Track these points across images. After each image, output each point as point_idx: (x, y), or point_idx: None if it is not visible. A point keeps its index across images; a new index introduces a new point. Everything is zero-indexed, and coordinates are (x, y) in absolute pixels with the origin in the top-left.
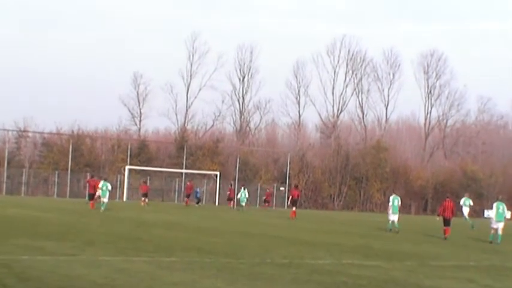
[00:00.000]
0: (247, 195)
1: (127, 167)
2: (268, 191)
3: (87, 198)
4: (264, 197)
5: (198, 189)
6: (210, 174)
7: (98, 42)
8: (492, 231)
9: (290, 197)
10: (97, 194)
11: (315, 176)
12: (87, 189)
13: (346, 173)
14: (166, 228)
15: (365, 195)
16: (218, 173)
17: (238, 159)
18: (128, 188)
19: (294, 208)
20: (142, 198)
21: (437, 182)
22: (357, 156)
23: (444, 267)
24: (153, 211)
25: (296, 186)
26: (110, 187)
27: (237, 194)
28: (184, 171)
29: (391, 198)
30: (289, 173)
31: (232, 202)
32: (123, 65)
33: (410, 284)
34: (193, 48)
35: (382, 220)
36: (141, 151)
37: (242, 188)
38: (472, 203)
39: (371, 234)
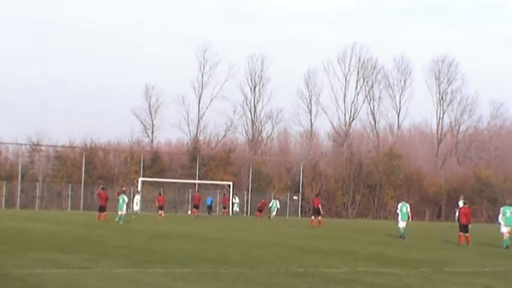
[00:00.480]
0: (278, 206)
1: (140, 179)
2: (263, 200)
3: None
4: (259, 206)
5: (210, 199)
6: (223, 185)
7: (109, 54)
8: (504, 237)
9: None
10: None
11: (328, 184)
12: (99, 202)
13: (360, 181)
14: (180, 239)
15: (379, 203)
16: (231, 183)
17: (251, 169)
18: (141, 200)
19: (312, 217)
20: (159, 212)
21: (451, 188)
22: (369, 164)
23: (459, 273)
24: (167, 222)
25: (317, 195)
26: (126, 199)
27: (268, 204)
28: (197, 181)
29: (399, 205)
30: (302, 182)
31: (227, 210)
32: (134, 77)
33: None
34: (204, 59)
35: (396, 227)
36: (154, 163)
37: (273, 199)
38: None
39: (385, 242)
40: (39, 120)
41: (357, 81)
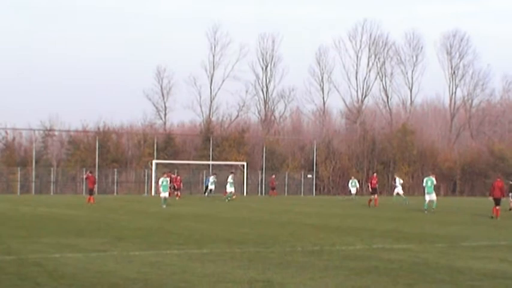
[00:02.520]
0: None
1: (154, 161)
2: (273, 176)
3: (87, 193)
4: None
5: (208, 179)
6: (237, 165)
7: (120, 38)
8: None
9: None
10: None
11: (342, 162)
12: (87, 185)
13: (373, 158)
14: (196, 220)
15: (393, 179)
16: (245, 163)
17: (264, 149)
18: (156, 182)
19: (373, 196)
20: (176, 193)
21: (465, 163)
22: (383, 140)
23: (475, 247)
24: (182, 204)
25: (374, 173)
26: (168, 183)
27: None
28: (211, 162)
29: (424, 179)
30: (316, 160)
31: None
32: (146, 59)
33: (442, 265)
34: (214, 39)
35: (411, 203)
36: (167, 145)
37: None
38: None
39: (401, 218)
40: (51, 106)
41: (369, 57)
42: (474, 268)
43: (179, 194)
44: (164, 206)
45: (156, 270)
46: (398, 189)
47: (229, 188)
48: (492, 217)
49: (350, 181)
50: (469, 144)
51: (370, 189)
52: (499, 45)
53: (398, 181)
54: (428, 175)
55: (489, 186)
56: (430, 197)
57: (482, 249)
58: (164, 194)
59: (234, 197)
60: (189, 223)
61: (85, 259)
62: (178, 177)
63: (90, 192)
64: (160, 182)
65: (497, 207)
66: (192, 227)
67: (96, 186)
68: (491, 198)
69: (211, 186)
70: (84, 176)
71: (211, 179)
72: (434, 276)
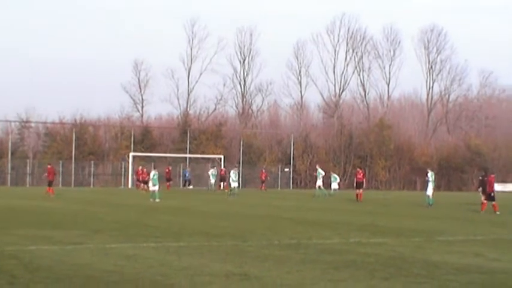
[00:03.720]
0: None
1: (131, 154)
2: (264, 171)
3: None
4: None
5: (186, 171)
6: (214, 158)
7: (98, 30)
8: None
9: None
10: (149, 184)
11: (319, 156)
12: (47, 177)
13: (350, 152)
14: (173, 213)
15: (370, 174)
16: (222, 157)
17: (241, 142)
18: (133, 175)
19: (358, 190)
20: (143, 185)
21: (442, 157)
22: (360, 135)
23: (451, 242)
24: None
25: (360, 168)
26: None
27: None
28: (188, 155)
29: (429, 174)
30: (293, 154)
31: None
32: (123, 52)
33: (418, 260)
34: (192, 32)
35: (388, 197)
36: (145, 137)
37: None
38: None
39: (377, 212)
40: (28, 97)
41: (346, 52)
42: (450, 262)
43: (145, 186)
44: (155, 200)
45: (132, 263)
46: (334, 185)
47: (233, 183)
48: (481, 212)
49: (430, 173)
50: (445, 139)
51: (355, 183)
52: (476, 41)
53: (334, 177)
54: (431, 170)
55: (466, 181)
56: (429, 191)
57: (458, 243)
58: (154, 188)
59: (226, 190)
60: (166, 216)
61: (61, 251)
62: (169, 168)
63: (50, 183)
64: (151, 176)
65: (493, 202)
66: (170, 220)
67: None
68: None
69: (212, 180)
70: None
71: (212, 171)
72: (411, 270)
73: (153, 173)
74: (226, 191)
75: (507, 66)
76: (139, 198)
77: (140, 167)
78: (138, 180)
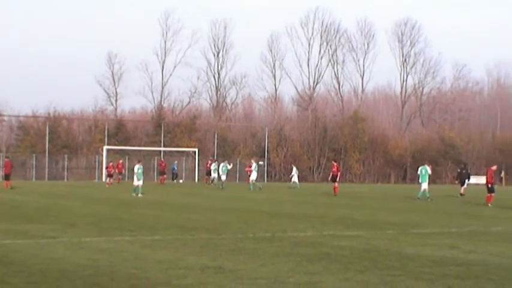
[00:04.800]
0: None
1: (105, 147)
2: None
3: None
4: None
5: (174, 165)
6: (188, 151)
7: (71, 23)
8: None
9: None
10: (134, 178)
11: (293, 149)
12: (3, 170)
13: (325, 145)
14: (148, 207)
15: (344, 166)
16: (196, 150)
17: (216, 135)
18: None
19: (334, 184)
20: (109, 179)
21: (416, 150)
22: (334, 127)
23: (426, 234)
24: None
25: (335, 160)
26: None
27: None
28: (162, 149)
29: (419, 168)
30: (267, 147)
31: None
32: (97, 45)
33: (393, 252)
34: (166, 25)
35: (362, 190)
36: (119, 131)
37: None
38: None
39: (352, 205)
40: (0, 91)
41: (320, 45)
42: (425, 255)
43: (164, 178)
44: (137, 195)
45: (107, 256)
46: (294, 178)
47: (223, 176)
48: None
49: (420, 168)
50: (419, 131)
51: (330, 177)
52: (449, 34)
53: (295, 170)
54: (423, 164)
55: (440, 173)
56: (423, 186)
57: (433, 236)
58: (139, 182)
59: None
60: (141, 210)
61: (35, 245)
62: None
63: (6, 177)
64: (136, 170)
65: (488, 195)
66: (144, 213)
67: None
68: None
69: (223, 176)
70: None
71: (223, 165)
72: (385, 262)
73: (137, 166)
74: (207, 184)
75: (480, 58)
76: (113, 192)
77: (111, 162)
78: (109, 175)
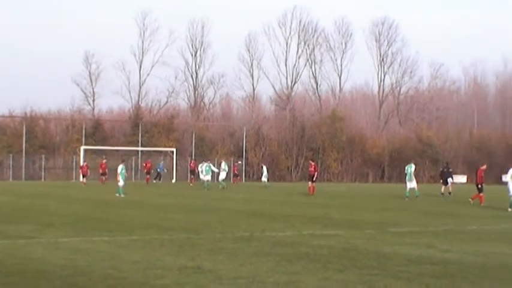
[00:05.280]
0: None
1: (82, 147)
2: (237, 163)
3: None
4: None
5: (160, 165)
6: (166, 151)
7: (48, 22)
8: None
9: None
10: (118, 178)
11: (271, 148)
12: None
13: (303, 144)
14: (125, 207)
15: (322, 166)
16: (174, 150)
17: (194, 135)
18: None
19: (311, 183)
20: (84, 179)
21: (393, 149)
22: (312, 127)
23: (403, 233)
24: (111, 191)
25: (313, 160)
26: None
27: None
28: (140, 149)
29: (405, 167)
30: (245, 147)
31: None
32: (74, 44)
33: (371, 251)
34: (144, 25)
35: (340, 190)
36: (96, 130)
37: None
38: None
39: (330, 204)
40: None
41: (298, 44)
42: (402, 254)
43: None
44: (121, 195)
45: (84, 256)
46: (264, 177)
47: (207, 176)
48: (471, 203)
49: (406, 167)
50: (397, 131)
51: (308, 176)
52: (426, 33)
53: (224, 165)
54: (409, 162)
55: (418, 172)
56: (410, 184)
57: (410, 235)
58: (122, 183)
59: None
60: (118, 210)
61: (12, 246)
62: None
63: None
64: (119, 170)
65: (478, 194)
66: (121, 213)
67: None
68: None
69: (207, 176)
70: None
71: (206, 165)
72: (364, 262)
73: (121, 167)
74: (191, 184)
75: (457, 57)
76: (92, 192)
77: (85, 162)
78: (84, 175)
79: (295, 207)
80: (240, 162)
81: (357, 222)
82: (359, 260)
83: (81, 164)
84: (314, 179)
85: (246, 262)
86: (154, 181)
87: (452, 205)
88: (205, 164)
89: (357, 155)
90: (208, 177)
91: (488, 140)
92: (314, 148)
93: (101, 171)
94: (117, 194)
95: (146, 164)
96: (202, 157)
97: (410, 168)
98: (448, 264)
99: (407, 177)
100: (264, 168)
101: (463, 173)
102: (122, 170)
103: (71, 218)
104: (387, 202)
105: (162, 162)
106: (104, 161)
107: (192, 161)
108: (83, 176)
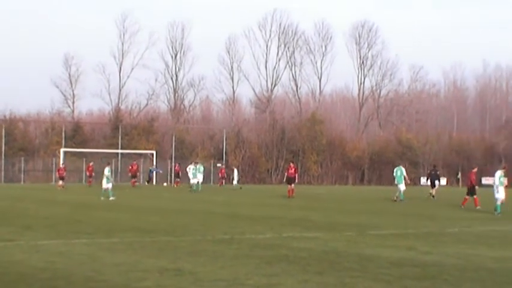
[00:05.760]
0: None
1: (62, 150)
2: (223, 166)
3: None
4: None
5: (152, 168)
6: (146, 154)
7: (27, 23)
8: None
9: (285, 175)
10: (103, 181)
11: (251, 151)
12: None
13: (283, 147)
14: (105, 209)
15: (302, 168)
16: (154, 152)
17: (173, 138)
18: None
19: (288, 186)
20: (61, 182)
21: (373, 152)
22: (292, 129)
23: (384, 236)
24: (91, 193)
25: (292, 162)
26: (200, 170)
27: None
28: (120, 151)
29: (394, 170)
30: (225, 149)
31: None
32: (53, 46)
33: (351, 254)
34: (123, 27)
35: (320, 192)
36: (76, 133)
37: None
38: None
39: (310, 207)
40: None
41: (278, 47)
42: (382, 256)
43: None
44: (111, 198)
45: (64, 259)
46: (235, 180)
47: (194, 179)
48: (462, 206)
49: (395, 169)
50: (377, 133)
51: (286, 179)
52: (406, 35)
53: (236, 173)
54: (398, 165)
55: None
56: (400, 186)
57: (391, 237)
58: (108, 185)
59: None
60: (98, 212)
61: None
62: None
63: None
64: (105, 172)
65: (475, 196)
66: (101, 216)
67: None
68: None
69: (194, 179)
70: None
71: (193, 168)
72: (343, 264)
73: (107, 169)
74: (175, 186)
75: (436, 60)
76: (71, 195)
77: (62, 165)
78: (61, 177)
79: (275, 210)
80: (219, 164)
81: (337, 224)
82: (339, 262)
83: (58, 166)
84: (295, 181)
85: (226, 264)
86: (147, 183)
87: (432, 207)
88: (192, 167)
89: (336, 157)
90: (195, 180)
91: (467, 143)
92: (294, 151)
93: (87, 173)
94: (102, 198)
95: (132, 167)
96: (182, 159)
97: (400, 170)
98: (429, 266)
99: (396, 180)
100: (235, 171)
101: (443, 176)
102: (108, 172)
103: (51, 221)
104: (367, 205)
105: (155, 165)
106: (91, 163)
107: (177, 165)
108: (60, 179)
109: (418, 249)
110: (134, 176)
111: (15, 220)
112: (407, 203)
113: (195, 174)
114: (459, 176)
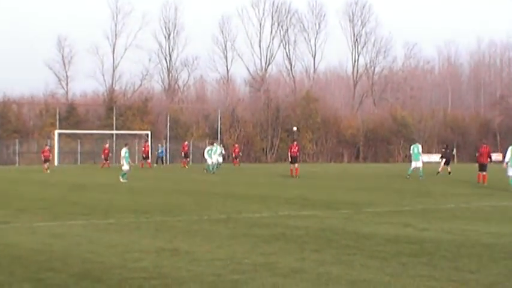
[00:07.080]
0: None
1: (56, 132)
2: (236, 145)
3: None
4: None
5: (161, 148)
6: (141, 134)
7: (20, 5)
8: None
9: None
10: (122, 162)
11: (246, 130)
12: None
13: (277, 126)
14: (101, 190)
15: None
16: (149, 133)
17: (168, 118)
18: (59, 152)
19: (294, 165)
20: (46, 165)
21: (368, 129)
22: (287, 108)
23: (380, 213)
24: (86, 174)
25: (293, 141)
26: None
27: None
28: (114, 132)
29: (411, 147)
30: (220, 129)
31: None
32: (46, 28)
33: (347, 231)
34: (116, 8)
35: (315, 170)
36: (70, 115)
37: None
38: None
39: (306, 185)
40: None
41: (272, 25)
42: (379, 233)
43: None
44: (125, 180)
45: (61, 241)
46: (219, 159)
47: (209, 160)
48: (479, 183)
49: (412, 146)
50: (371, 111)
51: (289, 158)
52: (400, 12)
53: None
54: (414, 142)
55: (392, 152)
56: (416, 163)
57: (387, 214)
58: (127, 167)
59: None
60: (93, 193)
61: None
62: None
63: None
64: (122, 154)
65: (484, 173)
66: (97, 197)
67: None
68: (477, 165)
69: (219, 159)
70: None
71: (209, 149)
72: (340, 242)
73: (124, 150)
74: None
75: (431, 37)
76: (66, 176)
77: (47, 146)
78: (46, 160)
79: (270, 189)
80: (215, 144)
81: (333, 202)
82: (335, 240)
83: (43, 148)
84: (297, 160)
85: (223, 244)
86: (156, 165)
87: (428, 184)
88: (208, 148)
89: (331, 135)
90: (210, 161)
91: (462, 120)
92: (289, 129)
93: (103, 156)
94: (123, 180)
95: (145, 148)
96: (177, 139)
97: (417, 148)
98: (425, 242)
99: (413, 157)
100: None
101: (438, 153)
102: (125, 153)
103: (46, 203)
104: (363, 182)
105: (162, 146)
106: (107, 145)
107: (185, 144)
108: (45, 161)
109: (415, 226)
110: (147, 157)
111: (10, 202)
112: (406, 181)
113: (210, 155)
114: (454, 152)
